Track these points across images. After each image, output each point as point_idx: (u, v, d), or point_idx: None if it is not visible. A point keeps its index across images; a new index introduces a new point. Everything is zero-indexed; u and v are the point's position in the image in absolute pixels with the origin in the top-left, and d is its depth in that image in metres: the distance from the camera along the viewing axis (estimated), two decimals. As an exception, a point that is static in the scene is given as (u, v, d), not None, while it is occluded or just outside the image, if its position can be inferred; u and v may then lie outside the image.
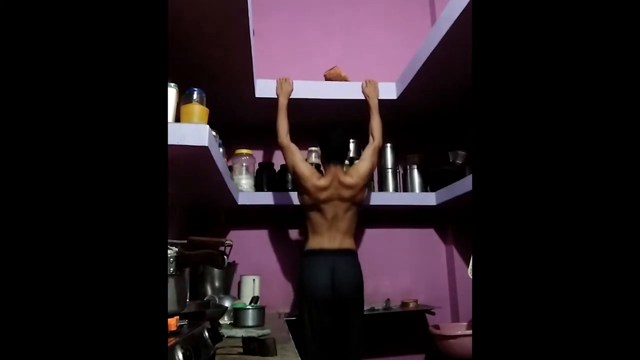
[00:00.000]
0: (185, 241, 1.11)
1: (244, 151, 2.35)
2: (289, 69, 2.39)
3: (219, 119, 1.64)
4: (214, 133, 1.36)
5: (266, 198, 2.29)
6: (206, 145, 1.16)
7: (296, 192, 2.07)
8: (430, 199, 2.41)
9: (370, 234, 2.60)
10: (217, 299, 1.87)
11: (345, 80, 2.36)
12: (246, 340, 1.19)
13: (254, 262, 2.39)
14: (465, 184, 2.07)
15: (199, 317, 1.24)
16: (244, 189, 2.29)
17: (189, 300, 1.29)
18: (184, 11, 1.48)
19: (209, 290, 2.09)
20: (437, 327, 2.29)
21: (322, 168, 2.09)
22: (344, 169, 2.03)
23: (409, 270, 2.60)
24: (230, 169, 2.28)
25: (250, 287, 2.19)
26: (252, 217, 2.47)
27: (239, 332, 1.44)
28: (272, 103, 2.12)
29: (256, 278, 2.22)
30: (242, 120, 2.45)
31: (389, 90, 2.27)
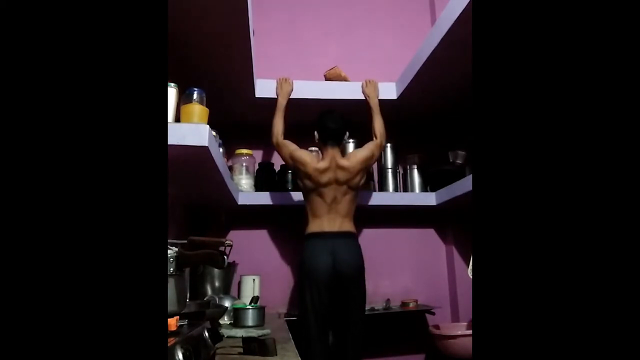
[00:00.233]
0: (185, 241, 1.11)
1: (244, 151, 2.35)
2: (289, 69, 2.39)
3: (219, 119, 1.64)
4: (214, 133, 1.36)
5: (266, 198, 2.29)
6: (206, 145, 1.16)
7: (296, 192, 2.07)
8: (430, 199, 2.41)
9: (370, 234, 2.60)
10: (217, 299, 1.87)
11: (345, 80, 2.36)
12: (246, 340, 1.19)
13: (254, 262, 2.39)
14: (465, 184, 2.07)
15: (199, 317, 1.24)
16: (244, 189, 2.29)
17: (189, 300, 1.29)
18: (184, 11, 1.48)
19: (209, 290, 2.09)
20: (437, 327, 2.29)
21: (320, 154, 2.09)
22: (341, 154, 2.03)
23: (409, 270, 2.60)
24: (230, 169, 2.29)
25: (250, 287, 2.19)
26: (252, 217, 2.47)
27: (239, 332, 1.44)
28: (272, 103, 2.12)
29: (256, 278, 2.22)
30: (242, 120, 2.45)
31: (389, 90, 2.27)
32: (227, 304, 1.81)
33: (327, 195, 1.94)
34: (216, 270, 2.10)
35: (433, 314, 2.39)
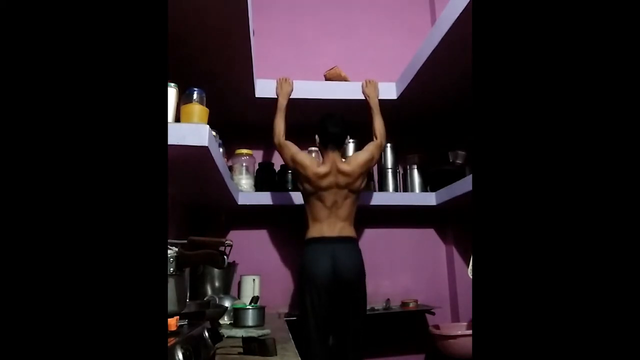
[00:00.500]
0: (185, 241, 1.11)
1: (244, 151, 2.35)
2: (289, 69, 2.39)
3: (219, 119, 1.64)
4: (214, 133, 1.36)
5: (266, 198, 2.29)
6: (206, 145, 1.16)
7: (296, 192, 2.07)
8: (430, 199, 2.42)
9: (370, 234, 2.60)
10: (217, 299, 1.87)
11: (345, 80, 2.36)
12: (246, 340, 1.19)
13: (254, 262, 2.39)
14: (465, 184, 2.07)
15: (199, 317, 1.24)
16: (244, 189, 2.29)
17: (189, 300, 1.29)
18: (184, 11, 1.48)
19: (209, 290, 2.09)
20: (437, 327, 2.29)
21: (320, 158, 2.09)
22: (342, 158, 2.03)
23: (409, 270, 2.60)
24: (230, 169, 2.29)
25: (250, 287, 2.19)
26: (252, 217, 2.47)
27: (239, 332, 1.44)
28: (272, 103, 2.12)
29: (256, 278, 2.22)
30: (242, 120, 2.45)
31: (389, 90, 2.27)
32: (227, 304, 1.81)
33: (328, 199, 1.94)
34: (216, 270, 2.10)
35: (433, 314, 2.39)
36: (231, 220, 2.48)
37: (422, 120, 2.55)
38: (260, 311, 1.75)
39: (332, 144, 1.99)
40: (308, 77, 2.32)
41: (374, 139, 2.09)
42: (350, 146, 2.39)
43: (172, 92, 1.29)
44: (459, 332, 2.14)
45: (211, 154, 1.25)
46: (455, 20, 1.55)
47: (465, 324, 2.34)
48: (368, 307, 2.21)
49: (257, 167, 2.44)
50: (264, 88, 2.19)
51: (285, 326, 1.81)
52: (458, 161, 2.31)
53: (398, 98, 2.27)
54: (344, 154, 2.13)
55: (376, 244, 2.58)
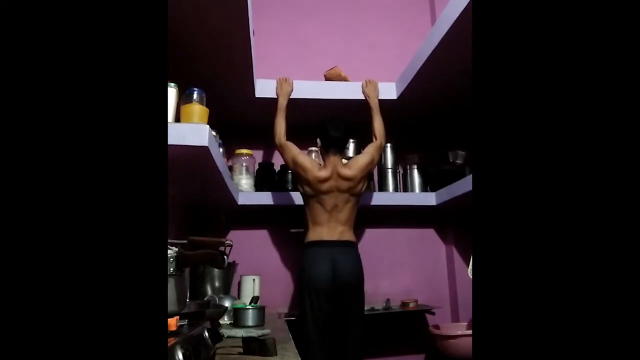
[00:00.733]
0: (185, 241, 1.11)
1: (244, 151, 2.35)
2: (289, 69, 2.39)
3: (219, 119, 1.64)
4: (214, 133, 1.36)
5: (266, 198, 2.29)
6: (206, 145, 1.16)
7: (296, 192, 2.07)
8: (430, 199, 2.42)
9: (370, 234, 2.60)
10: (217, 299, 1.87)
11: (345, 80, 2.36)
12: (246, 340, 1.19)
13: (254, 262, 2.39)
14: (465, 184, 2.07)
15: (199, 317, 1.24)
16: (244, 189, 2.29)
17: (189, 300, 1.29)
18: (184, 11, 1.48)
19: (209, 290, 2.09)
20: (437, 327, 2.29)
21: (321, 159, 2.09)
22: (343, 161, 2.03)
23: (409, 270, 2.60)
24: (230, 169, 2.28)
25: (250, 287, 2.19)
26: (252, 217, 2.47)
27: (239, 332, 1.44)
28: (272, 103, 2.12)
29: (256, 278, 2.22)
30: (242, 120, 2.45)
31: (389, 90, 2.27)
32: (227, 304, 1.81)
33: (328, 202, 1.93)
34: (216, 270, 2.10)
35: (433, 314, 2.39)
36: (231, 220, 2.48)
37: (422, 120, 2.55)
38: (260, 311, 1.75)
39: (334, 148, 1.99)
40: (308, 77, 2.32)
41: (374, 139, 2.09)
42: (351, 146, 2.38)
43: (172, 92, 1.29)
44: (459, 332, 2.14)
45: (211, 154, 1.25)
46: (455, 20, 1.55)
47: (465, 324, 2.34)
48: (368, 307, 2.22)
49: (257, 167, 2.44)
50: (264, 88, 2.19)
51: (285, 326, 1.81)
52: (458, 161, 2.31)
53: (398, 98, 2.27)
54: (344, 155, 2.13)
55: (376, 244, 2.58)
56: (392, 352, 2.48)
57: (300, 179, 1.99)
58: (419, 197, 2.44)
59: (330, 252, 1.87)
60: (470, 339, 2.03)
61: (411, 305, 2.37)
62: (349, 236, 1.95)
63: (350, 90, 2.26)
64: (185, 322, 1.07)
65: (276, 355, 1.13)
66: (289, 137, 2.06)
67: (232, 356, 1.15)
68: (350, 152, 2.37)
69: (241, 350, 1.19)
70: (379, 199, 2.38)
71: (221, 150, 1.90)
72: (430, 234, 2.68)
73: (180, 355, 0.78)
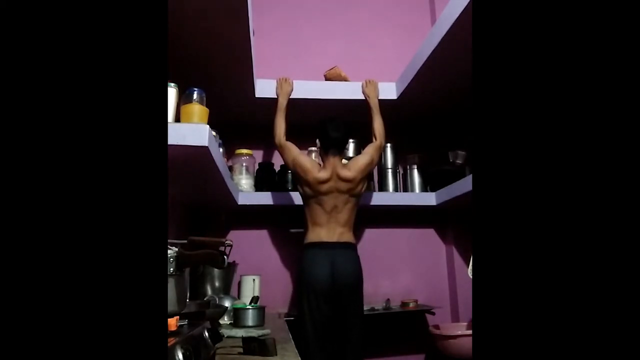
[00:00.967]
0: (185, 241, 1.11)
1: (244, 151, 2.35)
2: (289, 69, 2.39)
3: (219, 119, 1.64)
4: (214, 133, 1.36)
5: (266, 198, 2.29)
6: (206, 145, 1.16)
7: (296, 192, 2.07)
8: (430, 199, 2.42)
9: (370, 234, 2.60)
10: (217, 299, 1.87)
11: (345, 80, 2.36)
12: (246, 340, 1.19)
13: (254, 262, 2.39)
14: (465, 184, 2.07)
15: (199, 317, 1.24)
16: (244, 189, 2.29)
17: (189, 300, 1.29)
18: (184, 11, 1.48)
19: (209, 290, 2.09)
20: (437, 327, 2.29)
21: (320, 160, 2.09)
22: (342, 162, 2.03)
23: (409, 270, 2.60)
24: (230, 169, 2.29)
25: (250, 287, 2.19)
26: (252, 217, 2.47)
27: (239, 332, 1.44)
28: (272, 103, 2.12)
29: (256, 278, 2.22)
30: (242, 120, 2.45)
31: (389, 90, 2.27)
32: (227, 304, 1.81)
33: (327, 203, 1.93)
34: (216, 270, 2.10)
35: (433, 314, 2.39)
36: (231, 220, 2.48)
37: (422, 120, 2.55)
38: (260, 311, 1.75)
39: (334, 148, 1.98)
40: (308, 77, 2.32)
41: (373, 139, 2.09)
42: (350, 146, 2.38)
43: (172, 92, 1.29)
44: (459, 332, 2.14)
45: (211, 154, 1.25)
46: (455, 20, 1.55)
47: (465, 324, 2.34)
48: (368, 307, 2.22)
49: (257, 167, 2.44)
50: (264, 88, 2.19)
51: (285, 326, 1.81)
52: (458, 161, 2.31)
53: (398, 98, 2.27)
54: (344, 156, 2.13)
55: (376, 244, 2.58)
56: (392, 352, 2.48)
57: (300, 180, 1.99)
58: (419, 197, 2.44)
59: (329, 254, 1.87)
60: (470, 339, 2.03)
61: (411, 305, 2.37)
62: (348, 237, 1.95)
63: (350, 90, 2.26)
64: (185, 322, 1.07)
65: (276, 355, 1.13)
66: (289, 137, 2.06)
67: (232, 356, 1.15)
68: (350, 152, 2.37)
69: (241, 350, 1.19)
70: (379, 199, 2.38)
71: (221, 150, 1.90)
72: (430, 234, 2.68)
73: (180, 355, 0.78)
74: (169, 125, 1.13)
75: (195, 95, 1.39)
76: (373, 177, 2.52)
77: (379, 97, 2.20)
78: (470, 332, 2.12)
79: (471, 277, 1.98)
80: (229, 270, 2.20)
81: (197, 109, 1.36)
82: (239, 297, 2.20)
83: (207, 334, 1.02)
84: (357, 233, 2.03)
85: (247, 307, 1.75)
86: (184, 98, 1.38)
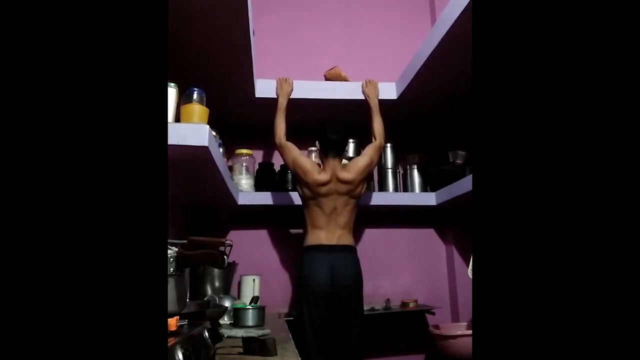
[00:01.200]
0: (185, 241, 1.11)
1: (244, 151, 2.35)
2: (288, 69, 2.39)
3: (219, 119, 1.64)
4: (214, 133, 1.36)
5: (266, 198, 2.29)
6: (206, 145, 1.16)
7: (296, 192, 2.07)
8: (430, 199, 2.41)
9: (370, 234, 2.60)
10: (217, 299, 1.87)
11: (345, 80, 2.36)
12: (246, 340, 1.19)
13: (254, 262, 2.39)
14: (465, 184, 2.07)
15: (199, 317, 1.24)
16: (244, 189, 2.29)
17: (189, 300, 1.29)
18: (184, 11, 1.48)
19: (209, 290, 2.09)
20: (437, 327, 2.29)
21: (320, 162, 2.09)
22: (342, 164, 2.03)
23: (409, 270, 2.60)
24: (230, 169, 2.29)
25: (250, 287, 2.19)
26: (252, 217, 2.47)
27: (239, 332, 1.44)
28: (272, 103, 2.12)
29: (256, 278, 2.22)
30: (242, 120, 2.45)
31: (389, 90, 2.27)
32: (227, 304, 1.81)
33: (327, 205, 1.93)
34: (216, 270, 2.10)
35: (433, 314, 2.39)
36: (231, 220, 2.48)
37: (422, 120, 2.55)
38: (260, 311, 1.75)
39: (333, 151, 1.98)
40: (308, 77, 2.31)
41: (373, 139, 2.09)
42: (350, 146, 2.38)
43: (172, 92, 1.29)
44: (459, 332, 2.14)
45: (211, 154, 1.25)
46: (455, 20, 1.55)
47: (465, 324, 2.34)
48: (368, 307, 2.21)
49: (257, 167, 2.44)
50: (264, 88, 2.19)
51: (285, 326, 1.81)
52: (458, 161, 2.31)
53: (398, 98, 2.27)
54: (344, 156, 2.12)
55: (376, 244, 2.58)
56: (392, 352, 2.48)
57: (299, 181, 1.99)
58: (419, 197, 2.44)
59: (328, 257, 1.87)
60: (470, 339, 2.03)
61: (411, 305, 2.37)
62: (347, 240, 1.95)
63: (350, 90, 2.26)
64: (185, 322, 1.07)
65: (276, 355, 1.13)
66: (289, 137, 2.06)
67: (232, 356, 1.15)
68: (350, 152, 2.37)
69: (241, 350, 1.19)
70: (379, 199, 2.38)
71: (221, 150, 1.90)
72: (430, 234, 2.68)
73: (180, 355, 0.78)
74: (169, 125, 1.13)
75: (195, 95, 1.39)
76: (373, 177, 2.52)
77: (379, 97, 2.19)
78: (470, 332, 2.12)
79: (471, 277, 1.98)
80: (229, 270, 2.20)
81: (197, 109, 1.36)
82: (239, 297, 2.20)
83: (207, 334, 1.02)
84: (357, 233, 2.03)
85: (247, 307, 1.75)
86: (184, 98, 1.38)
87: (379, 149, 2.09)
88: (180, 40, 1.64)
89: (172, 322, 0.92)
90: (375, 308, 2.34)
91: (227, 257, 1.06)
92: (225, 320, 1.78)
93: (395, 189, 2.49)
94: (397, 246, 2.62)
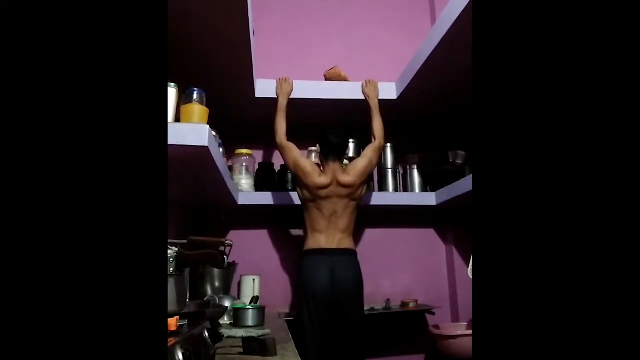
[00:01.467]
0: (185, 241, 1.11)
1: (244, 151, 2.35)
2: (289, 69, 2.39)
3: (219, 119, 1.64)
4: (214, 133, 1.36)
5: (266, 198, 2.29)
6: (206, 145, 1.16)
7: (296, 192, 2.07)
8: (430, 199, 2.41)
9: (370, 234, 2.60)
10: (217, 299, 1.87)
11: (345, 80, 2.36)
12: (246, 340, 1.19)
13: (254, 262, 2.39)
14: (465, 184, 2.07)
15: (199, 317, 1.24)
16: (244, 189, 2.29)
17: (189, 300, 1.29)
18: (184, 11, 1.48)
19: (209, 290, 2.09)
20: (437, 327, 2.29)
21: (320, 165, 2.09)
22: (343, 166, 2.03)
23: (409, 270, 2.60)
24: (230, 169, 2.29)
25: (250, 287, 2.19)
26: (252, 217, 2.47)
27: (239, 332, 1.44)
28: (272, 103, 2.12)
29: (256, 278, 2.22)
30: (242, 120, 2.45)
31: (389, 90, 2.27)
32: (227, 304, 1.81)
33: (326, 208, 1.93)
34: (216, 270, 2.10)
35: (433, 314, 2.39)
36: (231, 220, 2.48)
37: (422, 120, 2.55)
38: (260, 311, 1.75)
39: (334, 154, 1.98)
40: (308, 77, 2.31)
41: (373, 140, 2.09)
42: (351, 146, 2.39)
43: (172, 92, 1.29)
44: (459, 332, 2.14)
45: (211, 154, 1.24)
46: (455, 20, 1.55)
47: (465, 324, 2.34)
48: (368, 307, 2.21)
49: (257, 167, 2.44)
50: (264, 88, 2.19)
51: (285, 326, 1.81)
52: (458, 161, 2.31)
53: (398, 98, 2.27)
54: (345, 158, 2.12)
55: (376, 243, 2.58)
56: (392, 352, 2.48)
57: (299, 183, 1.99)
58: (419, 197, 2.44)
59: (329, 261, 1.87)
60: (470, 339, 2.03)
61: (411, 305, 2.37)
62: (348, 244, 1.94)
63: (350, 90, 2.26)
64: (185, 322, 1.07)
65: (276, 355, 1.13)
66: (289, 137, 2.06)
67: (232, 356, 1.15)
68: (351, 152, 2.37)
69: (241, 350, 1.19)
70: (379, 199, 2.38)
71: (221, 150, 1.90)
72: (430, 234, 2.68)
73: (180, 355, 0.78)
74: (169, 125, 1.13)
75: (195, 95, 1.39)
76: (373, 177, 2.52)
77: (379, 97, 2.19)
78: (470, 332, 2.12)
79: (471, 277, 1.98)
80: (229, 270, 2.20)
81: (197, 109, 1.36)
82: (239, 297, 2.20)
83: (207, 334, 1.02)
84: (357, 233, 2.03)
85: (247, 307, 1.75)
86: (184, 98, 1.38)
87: (379, 149, 2.09)
88: (180, 40, 1.64)
89: (172, 322, 0.92)
90: (375, 308, 2.34)
91: (227, 257, 1.06)
92: (225, 320, 1.78)
93: (395, 189, 2.49)
94: (397, 246, 2.62)
